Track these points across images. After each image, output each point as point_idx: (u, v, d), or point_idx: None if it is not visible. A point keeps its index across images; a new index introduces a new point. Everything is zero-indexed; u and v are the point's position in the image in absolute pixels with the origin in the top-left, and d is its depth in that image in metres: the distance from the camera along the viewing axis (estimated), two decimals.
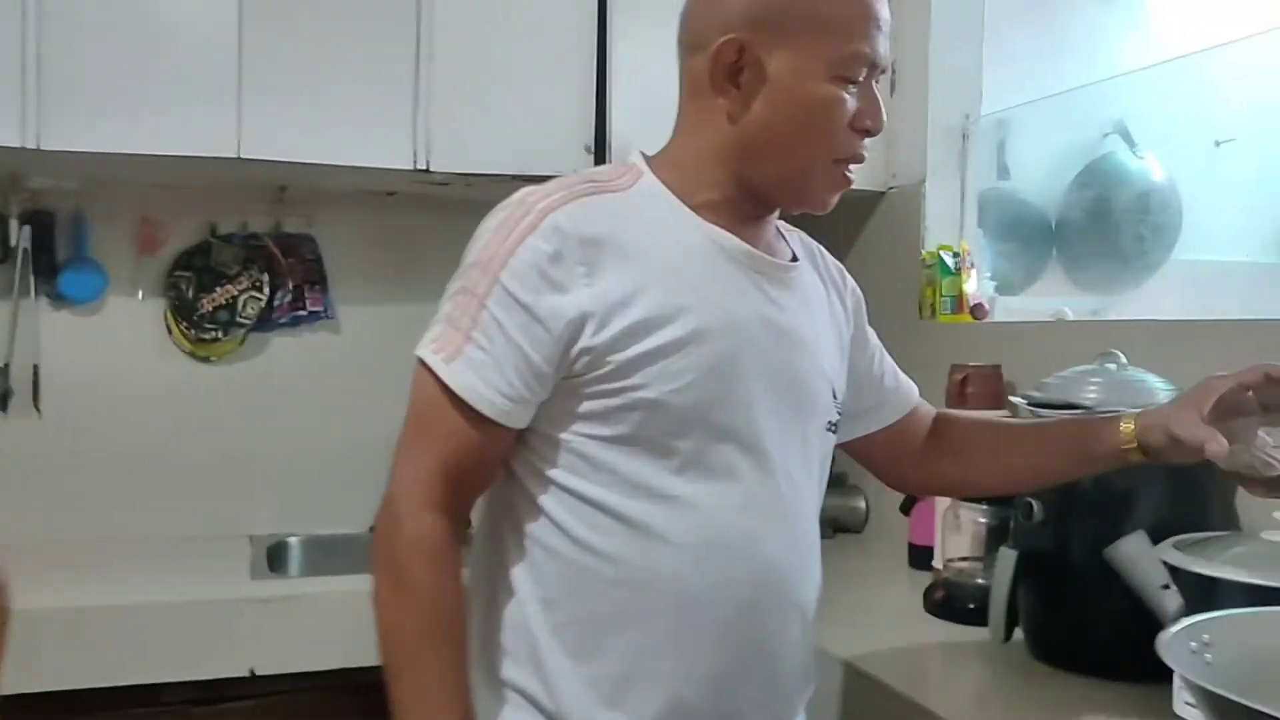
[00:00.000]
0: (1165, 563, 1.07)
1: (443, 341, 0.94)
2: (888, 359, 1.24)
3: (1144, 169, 2.85)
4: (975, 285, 2.06)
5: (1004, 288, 2.67)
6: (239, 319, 2.17)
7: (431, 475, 0.93)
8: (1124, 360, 1.36)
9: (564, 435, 0.96)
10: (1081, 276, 2.86)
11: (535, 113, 1.99)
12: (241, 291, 2.17)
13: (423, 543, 0.93)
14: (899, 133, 2.17)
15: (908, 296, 2.13)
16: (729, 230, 1.01)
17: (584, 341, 0.93)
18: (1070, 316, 1.90)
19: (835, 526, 2.22)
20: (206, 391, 2.21)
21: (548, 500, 0.97)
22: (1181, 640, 0.84)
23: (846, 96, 0.97)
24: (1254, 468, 1.00)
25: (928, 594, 1.62)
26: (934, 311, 2.07)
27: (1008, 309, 2.26)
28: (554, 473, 0.96)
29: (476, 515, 1.05)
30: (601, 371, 0.93)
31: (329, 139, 1.88)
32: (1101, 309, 2.62)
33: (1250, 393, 1.00)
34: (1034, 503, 1.34)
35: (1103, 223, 2.81)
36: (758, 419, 0.98)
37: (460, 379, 0.93)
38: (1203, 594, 1.08)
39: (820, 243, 1.18)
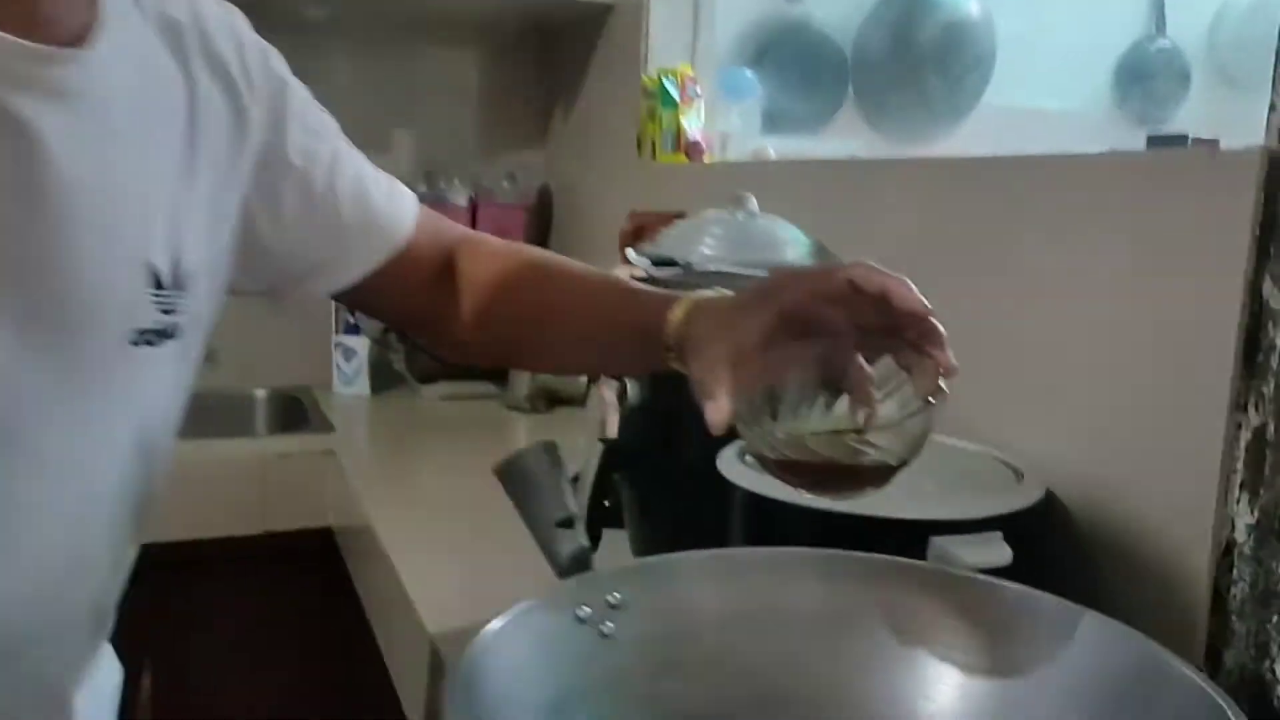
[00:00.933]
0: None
1: None
2: (349, 173, 0.77)
3: None
4: (700, 120, 1.74)
5: (788, 127, 2.37)
6: None
7: None
8: (754, 205, 1.07)
9: None
10: (880, 119, 2.56)
11: None
12: None
13: None
14: None
15: (629, 131, 1.81)
16: None
17: None
18: (772, 156, 1.60)
19: (551, 399, 1.95)
20: None
21: None
22: (567, 603, 0.57)
23: None
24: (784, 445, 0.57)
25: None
26: (654, 150, 1.75)
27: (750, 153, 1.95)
28: None
29: None
30: None
31: None
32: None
33: (835, 309, 0.59)
34: (627, 381, 1.08)
35: (904, 59, 2.49)
36: None
37: None
38: (761, 521, 0.82)
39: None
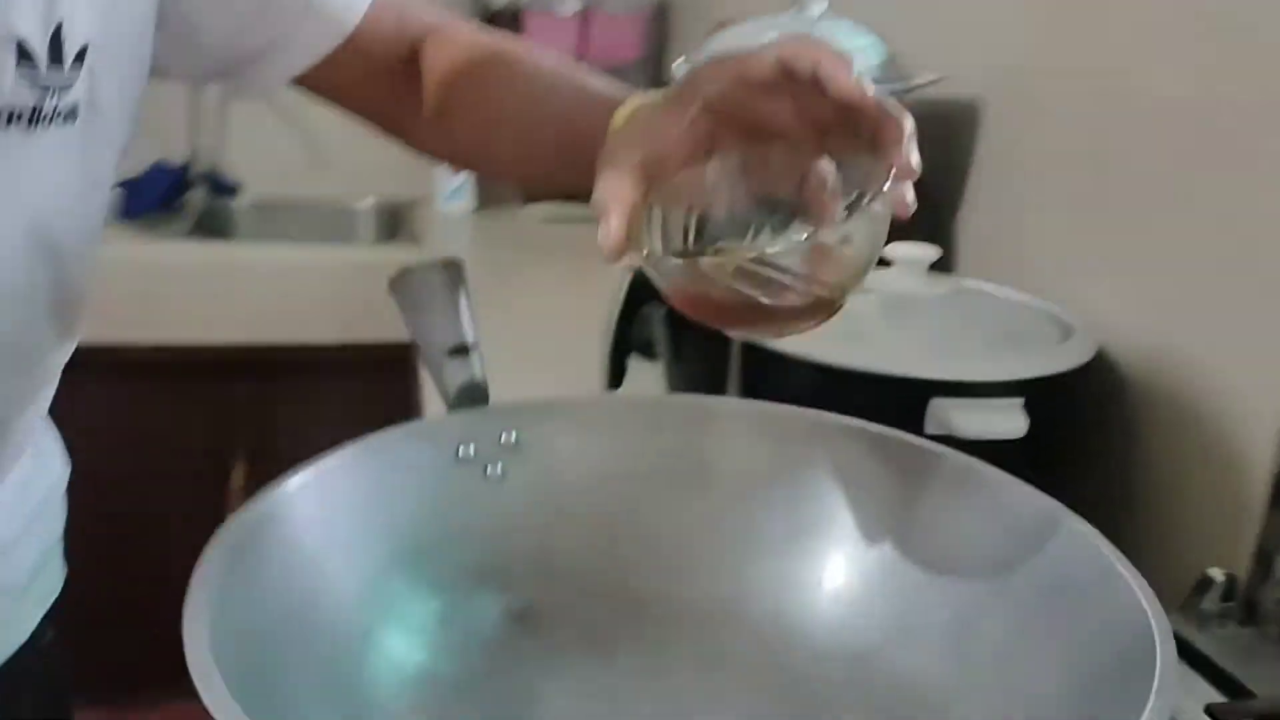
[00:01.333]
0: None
1: None
2: None
3: None
4: None
5: None
6: None
7: None
8: (818, 7, 0.94)
9: None
10: None
11: None
12: None
13: None
14: None
15: None
16: None
17: None
18: None
19: None
20: None
21: None
22: (445, 439, 0.51)
23: None
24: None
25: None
26: None
27: None
28: None
29: None
30: None
31: None
32: None
33: (778, 102, 0.46)
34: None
35: None
36: None
37: None
38: (752, 371, 0.73)
39: None
